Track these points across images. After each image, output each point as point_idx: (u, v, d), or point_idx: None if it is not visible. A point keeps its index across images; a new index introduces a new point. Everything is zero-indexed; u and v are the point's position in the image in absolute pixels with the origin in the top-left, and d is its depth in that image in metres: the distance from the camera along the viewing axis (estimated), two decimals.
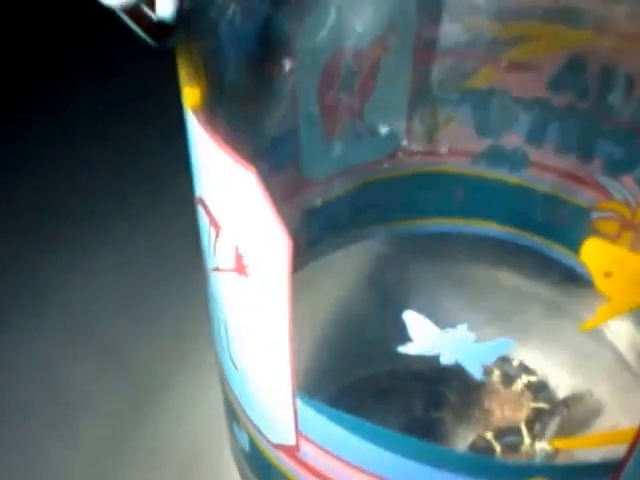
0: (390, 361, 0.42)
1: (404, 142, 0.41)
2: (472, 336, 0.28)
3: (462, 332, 0.28)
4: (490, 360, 0.29)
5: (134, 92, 0.70)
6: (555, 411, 0.41)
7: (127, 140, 0.67)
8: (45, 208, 0.63)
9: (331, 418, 0.28)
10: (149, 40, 0.23)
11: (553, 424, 0.41)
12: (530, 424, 0.41)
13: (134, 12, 0.22)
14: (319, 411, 0.29)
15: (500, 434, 0.41)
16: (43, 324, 0.54)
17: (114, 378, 0.51)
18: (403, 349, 0.29)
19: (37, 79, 0.74)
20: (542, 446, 0.40)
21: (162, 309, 0.54)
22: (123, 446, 0.47)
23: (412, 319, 0.28)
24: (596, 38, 0.35)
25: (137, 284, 0.57)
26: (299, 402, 0.29)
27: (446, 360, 0.29)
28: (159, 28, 0.23)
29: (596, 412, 0.42)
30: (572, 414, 0.41)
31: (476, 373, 0.29)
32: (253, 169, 0.24)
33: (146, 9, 0.22)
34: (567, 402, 0.42)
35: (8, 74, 0.73)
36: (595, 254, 0.25)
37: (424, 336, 0.28)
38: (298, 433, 0.30)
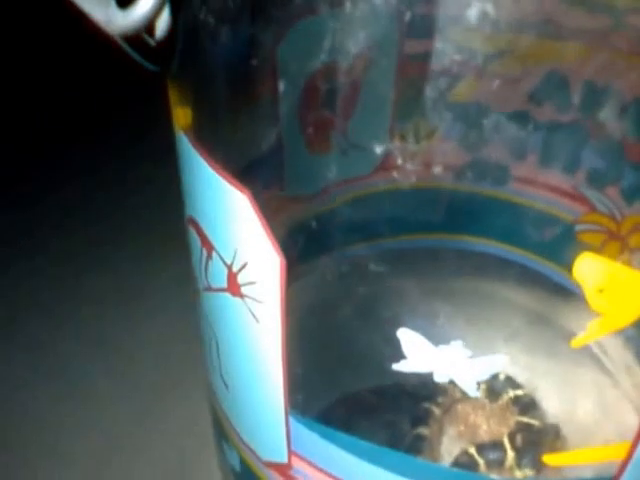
0: (379, 377, 0.43)
1: (387, 157, 0.42)
2: (467, 353, 0.29)
3: (457, 349, 0.29)
4: (484, 376, 0.30)
5: None
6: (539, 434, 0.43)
7: None
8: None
9: (323, 435, 0.29)
10: (149, 65, 0.25)
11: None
12: (513, 438, 0.42)
13: (134, 39, 0.23)
14: (311, 428, 0.30)
15: (483, 449, 0.42)
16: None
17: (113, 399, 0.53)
18: (397, 367, 0.30)
19: None
20: (525, 472, 0.41)
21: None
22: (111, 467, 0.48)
23: (406, 337, 0.29)
24: (578, 52, 0.36)
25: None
26: (291, 419, 0.30)
27: (440, 378, 0.30)
28: (158, 52, 0.24)
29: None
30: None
31: (470, 390, 0.30)
32: (247, 190, 0.25)
33: (145, 35, 0.23)
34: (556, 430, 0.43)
35: None
36: (588, 270, 0.26)
37: (418, 354, 0.29)
38: (290, 450, 0.31)
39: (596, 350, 0.44)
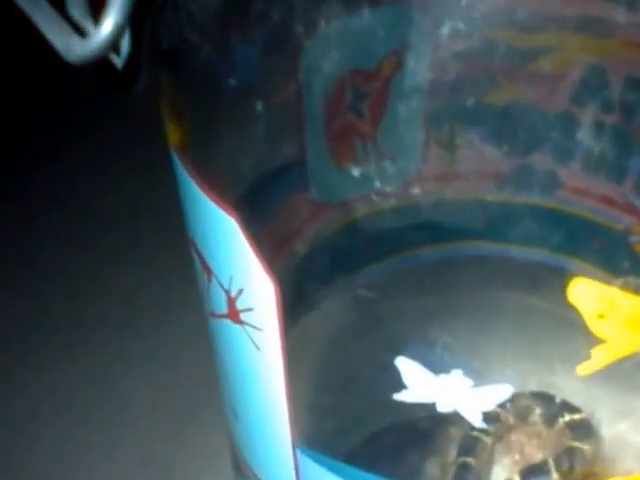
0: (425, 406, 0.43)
1: (420, 166, 0.42)
2: (469, 382, 0.29)
3: (457, 378, 0.29)
4: (489, 406, 0.30)
5: None
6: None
7: None
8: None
9: (331, 469, 0.30)
10: (116, 90, 0.25)
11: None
12: (559, 461, 0.42)
13: (100, 65, 0.24)
14: (318, 462, 0.30)
15: (527, 474, 0.42)
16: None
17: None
18: (399, 397, 0.30)
19: None
20: None
21: None
22: None
23: (405, 366, 0.29)
24: (620, 49, 0.36)
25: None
26: (299, 452, 0.30)
27: (443, 408, 0.30)
28: (123, 77, 0.25)
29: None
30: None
31: (475, 420, 0.30)
32: (235, 214, 0.26)
33: (113, 57, 0.24)
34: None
35: None
36: (583, 295, 0.26)
37: (419, 383, 0.29)
38: None
39: None
